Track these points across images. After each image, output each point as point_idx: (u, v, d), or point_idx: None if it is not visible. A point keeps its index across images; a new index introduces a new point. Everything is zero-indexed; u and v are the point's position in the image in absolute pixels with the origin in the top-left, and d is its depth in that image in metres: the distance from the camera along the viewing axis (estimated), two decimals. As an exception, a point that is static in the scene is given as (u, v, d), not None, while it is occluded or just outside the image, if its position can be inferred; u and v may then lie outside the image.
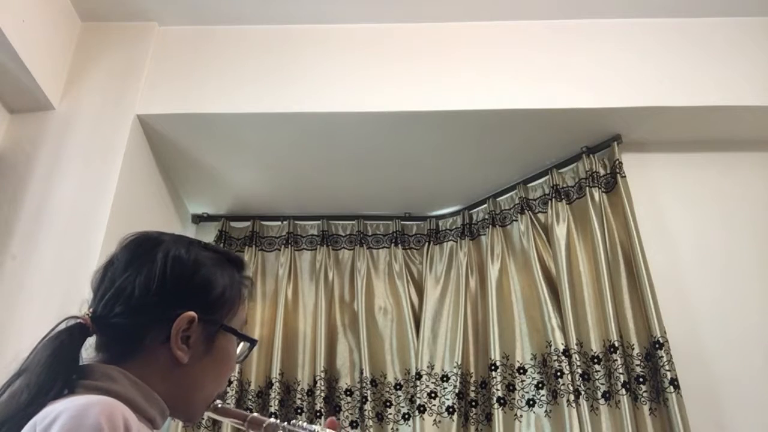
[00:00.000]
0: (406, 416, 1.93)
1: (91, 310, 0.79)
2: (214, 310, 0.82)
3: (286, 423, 0.89)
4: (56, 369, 0.71)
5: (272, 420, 0.89)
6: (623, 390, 1.63)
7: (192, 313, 0.78)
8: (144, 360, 0.77)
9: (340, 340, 2.09)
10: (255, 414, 0.90)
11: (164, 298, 0.79)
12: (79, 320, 0.78)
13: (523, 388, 1.80)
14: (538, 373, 1.81)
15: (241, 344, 0.87)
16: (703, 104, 1.85)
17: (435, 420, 1.87)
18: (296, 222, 2.28)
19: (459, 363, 1.91)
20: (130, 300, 0.78)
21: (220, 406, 0.89)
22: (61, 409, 0.62)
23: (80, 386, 0.72)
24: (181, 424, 1.87)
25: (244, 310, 0.89)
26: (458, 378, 1.90)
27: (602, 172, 1.93)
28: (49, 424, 0.61)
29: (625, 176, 1.86)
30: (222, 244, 2.22)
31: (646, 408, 1.61)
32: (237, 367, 1.76)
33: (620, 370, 1.65)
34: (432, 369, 1.95)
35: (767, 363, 1.72)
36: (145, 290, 0.78)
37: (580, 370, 1.72)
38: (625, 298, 1.74)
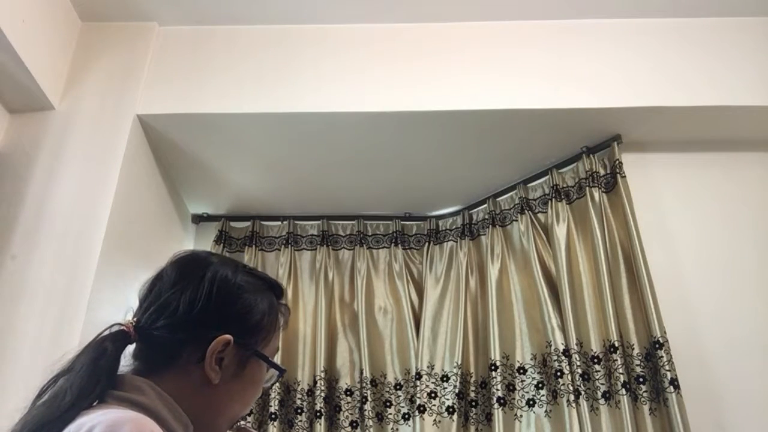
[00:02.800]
0: (406, 416, 1.93)
1: (135, 319, 0.82)
2: (250, 336, 0.85)
3: None
4: (98, 373, 0.74)
5: None
6: (623, 390, 1.63)
7: (228, 337, 0.81)
8: (177, 375, 0.80)
9: (340, 340, 2.09)
10: None
11: (206, 319, 0.82)
12: (123, 327, 0.81)
13: (523, 388, 1.80)
14: (538, 373, 1.81)
15: (270, 370, 0.89)
16: (703, 104, 1.84)
17: (435, 420, 1.87)
18: (296, 222, 2.28)
19: (459, 363, 1.91)
20: (174, 316, 0.81)
21: (242, 426, 0.91)
22: (93, 423, 0.64)
23: (110, 396, 0.74)
24: None
25: (278, 338, 0.91)
26: (458, 378, 1.90)
27: (602, 172, 1.93)
28: None
29: (625, 176, 1.86)
30: (222, 244, 2.22)
31: (646, 408, 1.61)
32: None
33: (620, 370, 1.65)
34: (432, 369, 1.95)
35: (767, 363, 1.72)
36: (189, 308, 0.81)
37: (580, 370, 1.73)
38: (625, 298, 1.74)
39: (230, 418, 0.85)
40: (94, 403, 0.73)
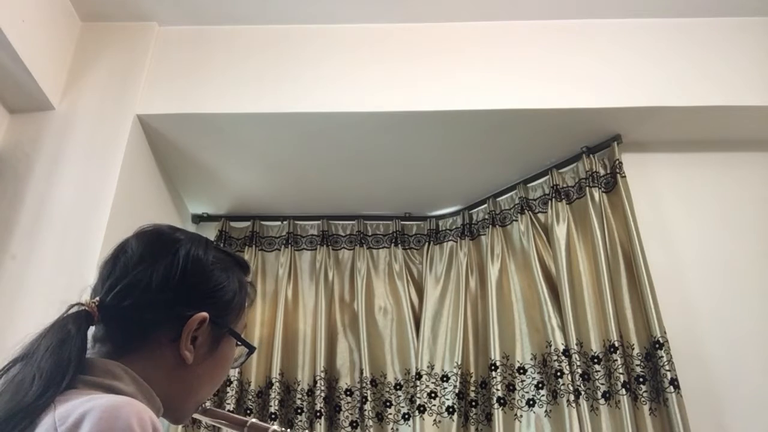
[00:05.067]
0: (406, 416, 1.93)
1: (98, 298, 0.78)
2: (223, 314, 0.82)
3: (288, 430, 0.88)
4: (67, 358, 0.69)
5: (275, 427, 0.88)
6: (623, 390, 1.63)
7: (205, 315, 0.78)
8: (147, 356, 0.76)
9: (340, 340, 2.09)
10: (255, 420, 0.90)
11: (180, 297, 0.78)
12: (84, 307, 0.76)
13: (523, 388, 1.80)
14: (538, 373, 1.81)
15: (238, 349, 0.87)
16: (703, 104, 1.85)
17: (435, 420, 1.87)
18: (296, 222, 2.28)
19: (459, 363, 1.91)
20: (145, 294, 0.76)
21: (209, 408, 0.89)
22: (85, 408, 0.60)
23: (80, 381, 0.69)
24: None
25: (245, 316, 0.88)
26: (458, 378, 1.90)
27: (602, 172, 1.93)
28: (75, 424, 0.59)
29: (625, 176, 1.86)
30: (222, 245, 2.21)
31: (646, 408, 1.61)
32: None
33: (620, 370, 1.65)
34: (432, 369, 1.95)
35: (767, 363, 1.72)
36: (162, 286, 0.77)
37: (580, 370, 1.72)
38: (625, 298, 1.74)
39: (199, 400, 0.83)
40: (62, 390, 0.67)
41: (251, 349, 0.87)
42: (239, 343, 0.85)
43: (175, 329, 0.77)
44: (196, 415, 0.87)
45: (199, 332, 0.78)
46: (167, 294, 0.77)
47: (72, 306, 0.76)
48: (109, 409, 0.59)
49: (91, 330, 0.76)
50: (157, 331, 0.77)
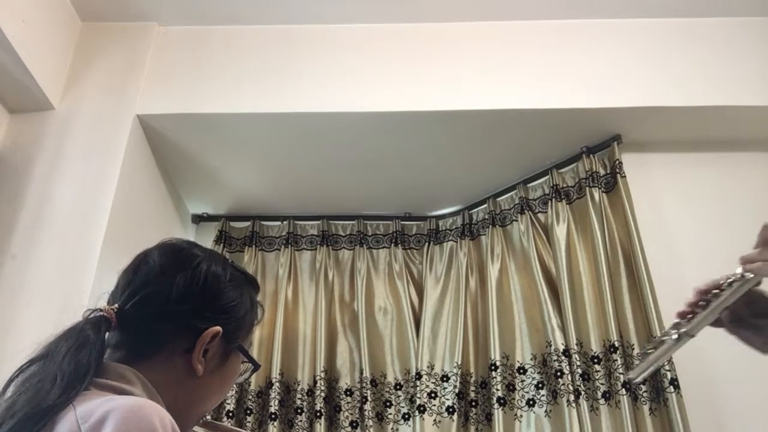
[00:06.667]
0: (406, 416, 1.93)
1: (116, 305, 0.80)
2: (235, 329, 0.85)
3: None
4: (86, 363, 0.71)
5: None
6: (623, 390, 1.63)
7: (219, 329, 0.81)
8: (159, 365, 0.78)
9: (340, 340, 2.09)
10: None
11: (197, 310, 0.81)
12: (103, 313, 0.78)
13: (523, 388, 1.80)
14: (538, 373, 1.81)
15: (244, 365, 0.90)
16: (703, 104, 1.85)
17: (435, 420, 1.87)
18: (296, 222, 2.28)
19: (459, 363, 1.91)
20: (163, 305, 0.79)
21: (209, 420, 0.91)
22: (107, 408, 0.62)
23: (93, 383, 0.71)
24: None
25: (253, 334, 0.92)
26: (458, 378, 1.90)
27: (602, 172, 1.93)
28: (99, 421, 0.60)
29: (625, 176, 1.86)
30: (222, 244, 2.22)
31: (646, 408, 1.61)
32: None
33: (620, 370, 1.65)
34: (432, 369, 1.95)
35: (767, 363, 1.72)
36: (181, 298, 0.80)
37: (580, 370, 1.73)
38: (625, 298, 1.74)
39: (202, 412, 0.85)
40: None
41: (256, 366, 0.90)
42: (245, 359, 0.88)
43: (188, 341, 0.79)
44: (195, 428, 0.89)
45: (211, 345, 0.81)
46: (185, 306, 0.80)
47: (91, 311, 0.78)
48: (133, 409, 0.61)
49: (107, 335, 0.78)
50: (172, 342, 0.79)
